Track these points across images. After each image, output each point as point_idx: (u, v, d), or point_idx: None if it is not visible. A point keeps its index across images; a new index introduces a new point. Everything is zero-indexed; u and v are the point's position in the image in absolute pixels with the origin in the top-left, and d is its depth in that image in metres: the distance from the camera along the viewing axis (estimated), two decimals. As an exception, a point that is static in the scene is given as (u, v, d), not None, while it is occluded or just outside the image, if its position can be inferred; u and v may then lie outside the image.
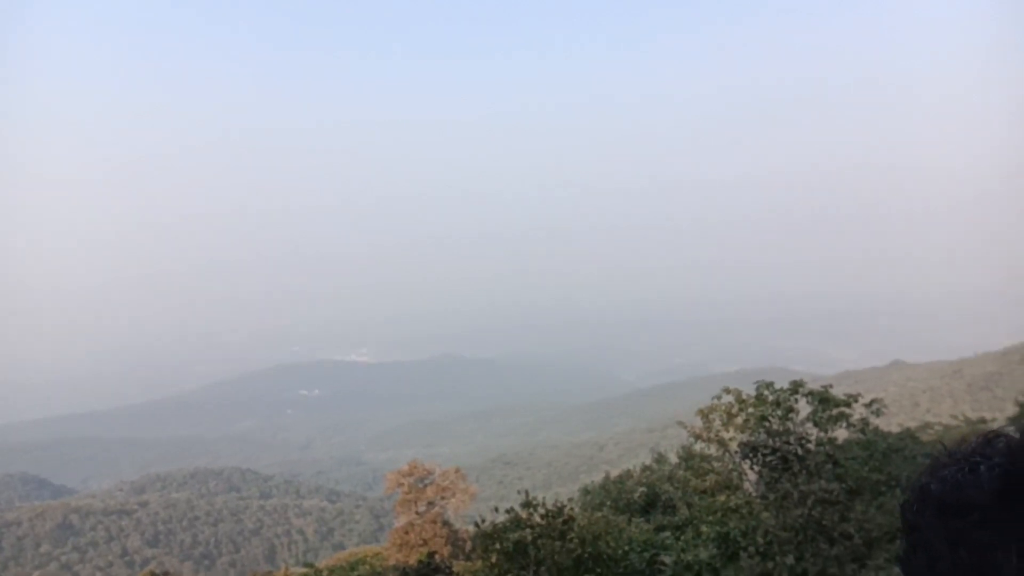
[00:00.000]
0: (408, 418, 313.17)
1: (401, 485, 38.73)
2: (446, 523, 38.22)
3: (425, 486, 38.92)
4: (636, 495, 29.62)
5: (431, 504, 38.36)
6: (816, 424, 17.61)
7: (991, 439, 0.88)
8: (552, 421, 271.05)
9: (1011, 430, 0.93)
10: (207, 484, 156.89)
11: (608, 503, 28.99)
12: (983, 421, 42.39)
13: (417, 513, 37.89)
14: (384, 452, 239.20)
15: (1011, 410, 35.70)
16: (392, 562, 35.09)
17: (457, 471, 40.32)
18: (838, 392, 20.00)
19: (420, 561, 26.44)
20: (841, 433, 18.80)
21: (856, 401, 18.65)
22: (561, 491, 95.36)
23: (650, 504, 28.17)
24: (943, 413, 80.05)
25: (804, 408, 19.05)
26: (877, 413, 19.28)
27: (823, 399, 18.25)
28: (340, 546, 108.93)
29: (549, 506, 19.41)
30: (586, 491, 34.90)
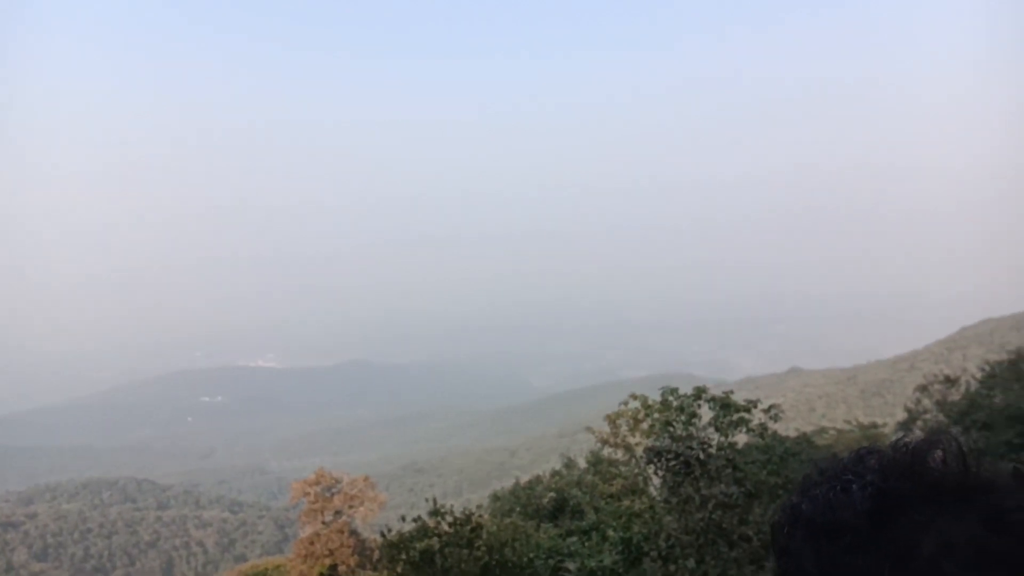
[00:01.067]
0: (316, 426, 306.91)
1: (307, 494, 37.74)
2: (353, 532, 37.44)
3: (332, 495, 38.05)
4: (545, 500, 29.75)
5: (338, 513, 37.51)
6: (717, 429, 18.10)
7: (863, 455, 0.80)
8: (464, 427, 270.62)
9: (884, 446, 0.85)
10: (100, 495, 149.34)
11: (517, 509, 29.03)
12: (875, 426, 44.51)
13: (323, 523, 36.99)
14: (290, 461, 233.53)
15: (901, 415, 37.66)
16: (295, 574, 34.18)
17: (366, 479, 39.58)
18: (739, 398, 20.63)
19: (323, 573, 25.84)
20: (741, 438, 19.42)
21: (755, 407, 19.25)
22: (472, 497, 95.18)
23: (559, 509, 28.33)
24: (837, 418, 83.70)
25: (706, 413, 19.58)
26: (775, 418, 19.97)
27: (724, 405, 18.77)
28: (242, 558, 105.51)
29: (457, 514, 19.25)
30: (496, 497, 34.91)
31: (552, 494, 29.85)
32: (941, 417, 31.70)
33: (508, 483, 41.73)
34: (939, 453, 0.78)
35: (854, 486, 0.73)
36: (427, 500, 19.84)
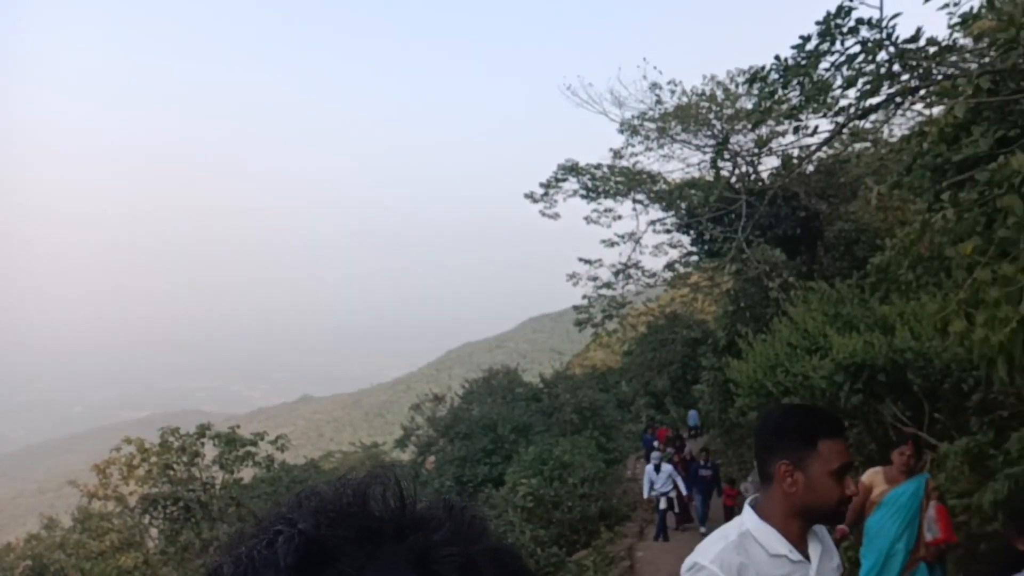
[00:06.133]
0: None
1: None
2: None
3: None
4: (19, 570, 25.53)
5: None
6: (222, 467, 17.51)
7: (303, 499, 0.69)
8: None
9: (326, 486, 0.77)
10: None
11: (-24, 589, 24.24)
12: (376, 445, 47.74)
13: None
14: None
15: (399, 433, 40.91)
16: None
17: None
18: (248, 431, 20.28)
19: None
20: (249, 472, 19.10)
21: (263, 439, 19.16)
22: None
23: (35, 579, 24.42)
24: (344, 441, 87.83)
25: (212, 451, 18.80)
26: (283, 448, 20.10)
27: (230, 440, 18.29)
28: None
29: None
30: (-56, 580, 28.65)
31: (28, 562, 25.80)
32: (431, 431, 35.31)
33: (-35, 559, 34.53)
34: (379, 490, 0.71)
35: (281, 538, 0.61)
36: None
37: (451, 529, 0.66)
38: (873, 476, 5.88)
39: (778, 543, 2.15)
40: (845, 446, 2.18)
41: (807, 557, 2.19)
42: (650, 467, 15.75)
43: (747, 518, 2.20)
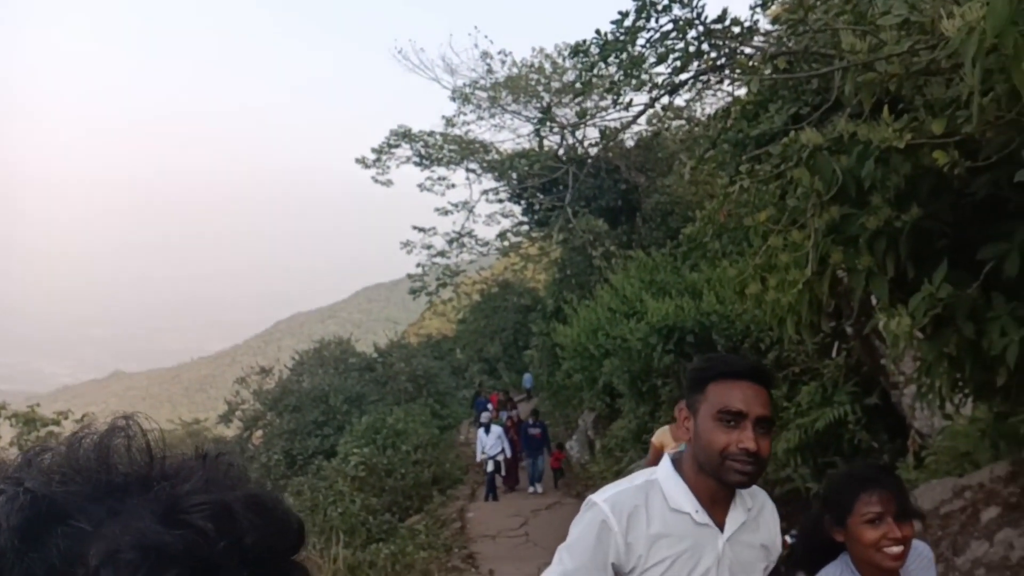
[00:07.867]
0: None
1: None
2: None
3: None
4: None
5: None
6: (21, 448, 16.14)
7: (33, 457, 0.59)
8: None
9: (62, 442, 0.70)
10: None
11: None
12: (197, 421, 45.47)
13: None
14: None
15: (222, 408, 39.18)
16: None
17: None
18: (51, 410, 18.84)
19: None
20: (52, 454, 17.76)
21: (67, 418, 17.88)
22: None
23: None
24: (162, 419, 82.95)
25: (9, 432, 17.33)
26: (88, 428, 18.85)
27: (28, 420, 16.91)
28: None
29: None
30: None
31: None
32: (258, 405, 34.14)
33: None
34: (123, 443, 0.64)
35: (3, 498, 0.55)
36: None
37: (204, 477, 0.62)
38: (663, 435, 6.05)
39: (683, 499, 1.90)
40: (744, 393, 1.84)
41: (721, 525, 1.92)
42: (481, 430, 16.14)
43: (661, 466, 1.99)
